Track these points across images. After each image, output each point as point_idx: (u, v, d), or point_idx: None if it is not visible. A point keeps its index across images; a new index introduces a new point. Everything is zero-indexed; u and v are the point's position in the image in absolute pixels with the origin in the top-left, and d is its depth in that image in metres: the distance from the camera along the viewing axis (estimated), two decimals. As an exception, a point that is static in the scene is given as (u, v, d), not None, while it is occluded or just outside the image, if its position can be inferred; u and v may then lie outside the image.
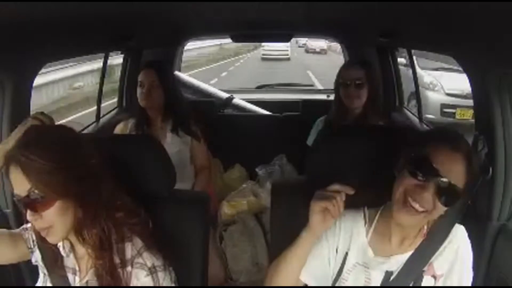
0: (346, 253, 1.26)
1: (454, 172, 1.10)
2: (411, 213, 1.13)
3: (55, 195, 1.06)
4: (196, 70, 15.56)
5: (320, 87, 7.37)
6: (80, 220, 1.12)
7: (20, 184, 1.06)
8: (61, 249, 1.22)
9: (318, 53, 23.35)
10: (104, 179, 1.15)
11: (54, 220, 1.08)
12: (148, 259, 1.15)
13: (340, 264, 1.26)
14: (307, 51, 24.56)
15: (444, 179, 1.10)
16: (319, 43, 23.46)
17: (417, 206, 1.12)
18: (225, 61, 21.22)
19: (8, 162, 1.07)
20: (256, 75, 13.81)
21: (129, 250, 1.16)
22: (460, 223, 1.26)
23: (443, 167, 1.10)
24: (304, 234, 1.21)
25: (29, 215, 1.07)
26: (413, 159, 1.14)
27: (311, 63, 17.48)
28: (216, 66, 18.86)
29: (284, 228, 1.49)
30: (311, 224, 1.18)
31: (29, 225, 1.27)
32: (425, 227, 1.23)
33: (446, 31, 1.48)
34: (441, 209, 1.13)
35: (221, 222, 2.66)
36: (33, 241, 1.26)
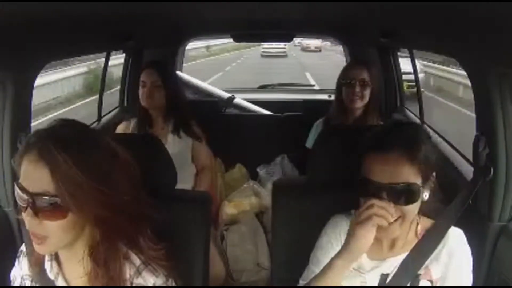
0: None
1: (395, 173, 1.10)
2: (386, 229, 1.13)
3: (75, 209, 0.93)
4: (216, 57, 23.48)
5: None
6: (97, 242, 1.02)
7: (36, 181, 0.92)
8: (48, 271, 1.10)
9: (313, 51, 25.17)
10: (137, 195, 1.04)
11: (53, 232, 0.95)
12: (149, 278, 1.04)
13: None
14: (303, 49, 26.01)
15: (391, 185, 1.09)
16: (314, 42, 24.77)
17: (384, 222, 1.11)
18: (235, 52, 26.55)
19: (31, 149, 0.93)
20: (259, 66, 18.36)
21: (127, 269, 1.05)
22: (461, 224, 1.26)
23: (382, 176, 1.10)
24: (340, 262, 1.16)
25: (27, 215, 0.93)
26: (359, 184, 1.15)
27: (304, 60, 20.35)
28: (228, 55, 24.52)
29: (285, 227, 1.49)
30: (352, 247, 1.14)
31: (13, 272, 1.19)
32: (419, 227, 1.23)
33: (447, 31, 1.48)
34: (410, 208, 1.13)
35: (222, 222, 2.66)
36: (21, 279, 1.16)
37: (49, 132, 0.96)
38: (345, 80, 2.30)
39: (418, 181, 1.12)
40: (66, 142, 0.93)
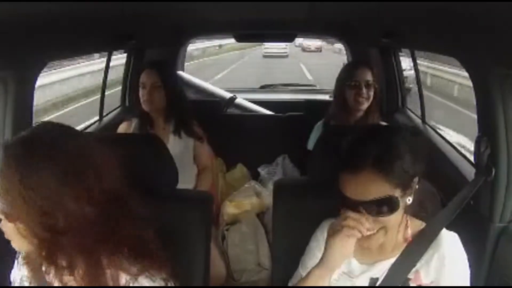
0: None
1: (367, 192, 1.08)
2: (369, 238, 1.13)
3: (14, 219, 0.94)
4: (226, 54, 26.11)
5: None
6: (50, 260, 0.98)
7: None
8: (45, 274, 1.08)
9: (313, 51, 25.92)
10: (107, 209, 0.98)
11: (12, 235, 0.98)
12: (145, 283, 1.02)
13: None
14: (303, 49, 26.61)
15: (365, 200, 1.08)
16: (314, 43, 25.57)
17: (368, 233, 1.11)
18: (242, 50, 28.05)
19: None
20: (263, 62, 21.21)
21: (123, 276, 1.02)
22: (462, 224, 1.25)
23: (354, 194, 1.09)
24: (318, 271, 1.17)
25: None
26: (339, 199, 1.13)
27: (305, 60, 21.83)
28: (232, 54, 26.54)
29: (286, 228, 1.49)
30: (328, 258, 1.15)
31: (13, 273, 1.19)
32: (408, 230, 1.21)
33: (448, 32, 1.48)
34: (390, 218, 1.11)
35: (223, 221, 2.66)
36: (21, 280, 1.16)
37: (15, 139, 0.97)
38: (349, 81, 2.27)
39: (396, 193, 1.09)
40: (22, 150, 0.94)
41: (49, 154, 0.94)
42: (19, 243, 0.99)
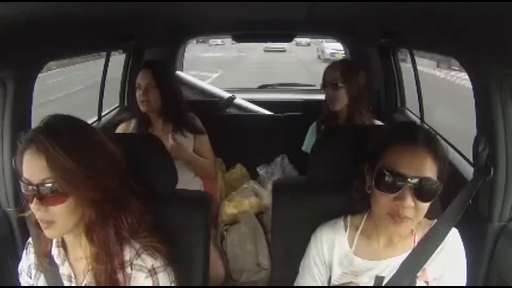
0: (331, 264, 1.26)
1: (422, 167, 1.10)
2: (400, 224, 1.13)
3: (70, 193, 1.04)
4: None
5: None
6: (92, 222, 1.09)
7: (37, 172, 1.03)
8: (55, 257, 1.19)
9: (304, 45, 30.55)
10: (124, 183, 1.14)
11: (59, 216, 1.05)
12: (147, 260, 1.13)
13: (328, 276, 1.27)
14: (296, 44, 30.81)
15: (416, 179, 1.09)
16: (305, 39, 29.41)
17: (402, 217, 1.12)
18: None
19: (29, 145, 1.03)
20: (264, 56, 25.06)
21: (127, 252, 1.14)
22: (461, 224, 1.25)
23: (409, 168, 1.10)
24: None
25: (34, 204, 1.03)
26: (379, 175, 1.13)
27: (296, 52, 27.74)
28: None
29: (285, 228, 1.49)
30: None
31: (20, 265, 1.27)
32: (414, 229, 1.22)
33: (447, 32, 1.48)
34: (424, 206, 1.13)
35: (222, 221, 2.66)
36: (28, 268, 1.24)
37: (42, 127, 1.07)
38: (323, 83, 2.29)
39: (436, 180, 1.13)
40: (57, 135, 1.04)
41: (84, 130, 1.13)
42: (65, 221, 1.07)
